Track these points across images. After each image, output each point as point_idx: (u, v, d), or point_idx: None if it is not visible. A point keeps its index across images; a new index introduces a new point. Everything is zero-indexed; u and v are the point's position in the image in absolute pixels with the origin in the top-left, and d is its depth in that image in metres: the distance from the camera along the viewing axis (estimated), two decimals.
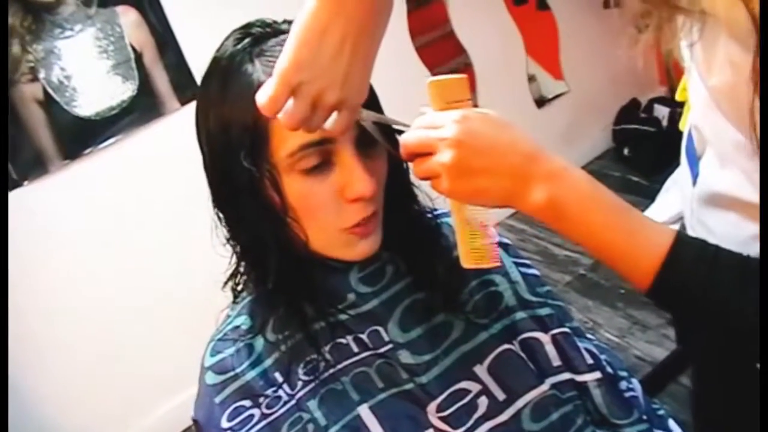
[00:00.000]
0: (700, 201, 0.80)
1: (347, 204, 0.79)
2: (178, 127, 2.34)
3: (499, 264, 0.75)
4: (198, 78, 2.33)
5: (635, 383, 0.93)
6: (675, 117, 3.25)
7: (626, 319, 2.44)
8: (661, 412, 0.93)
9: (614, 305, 2.54)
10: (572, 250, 2.88)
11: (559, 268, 2.80)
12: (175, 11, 2.35)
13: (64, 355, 2.32)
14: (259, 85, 0.73)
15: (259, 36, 0.80)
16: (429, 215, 0.93)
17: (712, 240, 0.65)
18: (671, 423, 0.92)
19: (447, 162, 0.66)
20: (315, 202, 0.79)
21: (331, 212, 0.79)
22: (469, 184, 0.67)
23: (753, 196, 0.65)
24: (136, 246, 2.40)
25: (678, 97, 1.73)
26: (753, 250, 0.64)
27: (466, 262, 0.75)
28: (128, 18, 2.28)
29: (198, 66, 2.38)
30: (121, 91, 2.30)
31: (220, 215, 0.85)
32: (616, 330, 2.39)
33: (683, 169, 0.89)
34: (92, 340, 2.36)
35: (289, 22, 0.82)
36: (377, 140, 0.79)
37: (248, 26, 0.82)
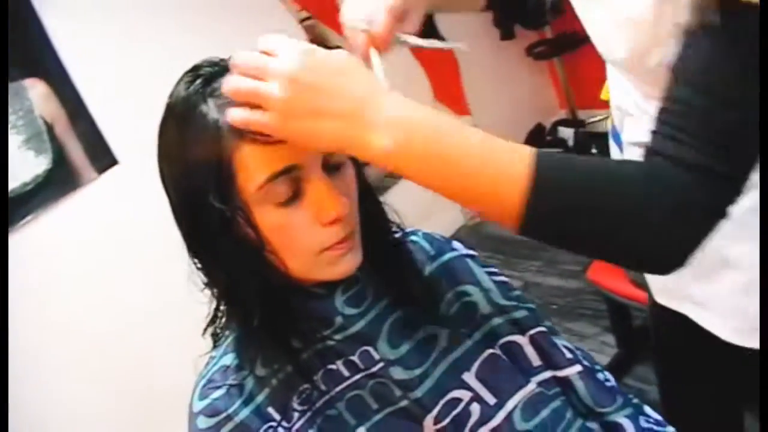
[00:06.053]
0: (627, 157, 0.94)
1: (324, 227, 0.78)
2: (98, 196, 2.31)
3: None
4: (113, 146, 2.32)
5: (609, 375, 0.97)
6: (579, 137, 3.42)
7: (564, 333, 2.50)
8: (635, 400, 0.97)
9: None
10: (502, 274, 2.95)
11: None
12: (84, 80, 2.32)
13: None
14: (215, 123, 0.74)
15: (210, 75, 0.78)
16: (398, 234, 0.93)
17: None
18: (647, 408, 0.97)
19: (277, 97, 0.67)
20: (292, 231, 0.78)
21: (308, 237, 0.78)
22: (300, 124, 0.69)
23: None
24: (77, 321, 2.30)
25: (602, 97, 1.96)
26: None
27: None
28: (37, 91, 2.24)
29: (112, 133, 2.35)
30: (34, 165, 2.24)
31: (196, 261, 0.83)
32: None
33: (612, 148, 1.07)
34: None
35: None
36: (344, 158, 0.80)
37: (197, 68, 0.80)
